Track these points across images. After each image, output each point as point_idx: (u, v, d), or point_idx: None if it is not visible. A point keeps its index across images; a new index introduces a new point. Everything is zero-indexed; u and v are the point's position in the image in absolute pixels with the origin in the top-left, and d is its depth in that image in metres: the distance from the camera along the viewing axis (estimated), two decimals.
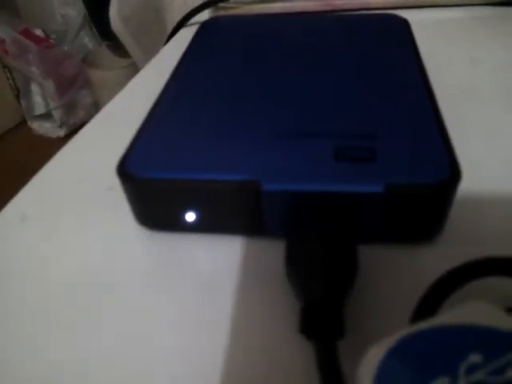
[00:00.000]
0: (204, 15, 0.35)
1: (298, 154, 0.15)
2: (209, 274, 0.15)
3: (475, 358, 0.09)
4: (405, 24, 0.25)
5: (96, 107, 1.34)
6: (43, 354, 0.13)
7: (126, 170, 0.15)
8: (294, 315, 0.13)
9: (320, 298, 0.12)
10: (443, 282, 0.12)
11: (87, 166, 0.21)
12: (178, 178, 0.15)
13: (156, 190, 0.15)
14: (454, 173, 0.14)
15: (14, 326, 0.14)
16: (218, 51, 0.24)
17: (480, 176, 0.18)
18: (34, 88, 1.32)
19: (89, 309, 0.15)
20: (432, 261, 0.15)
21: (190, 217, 0.16)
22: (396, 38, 0.23)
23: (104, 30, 1.21)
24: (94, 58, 1.30)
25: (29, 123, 1.39)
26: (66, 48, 1.34)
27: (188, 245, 0.16)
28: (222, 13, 0.35)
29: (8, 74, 1.35)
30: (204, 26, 0.27)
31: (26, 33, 1.25)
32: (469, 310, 0.10)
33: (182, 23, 0.35)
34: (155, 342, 0.13)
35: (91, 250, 0.17)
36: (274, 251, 0.15)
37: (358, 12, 0.34)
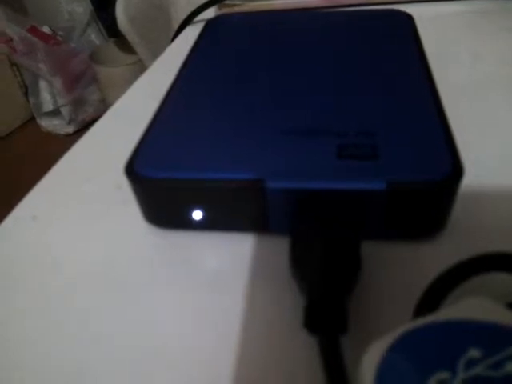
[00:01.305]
0: (209, 13, 0.35)
1: (301, 152, 0.15)
2: (215, 271, 0.15)
3: (475, 352, 0.09)
4: (409, 19, 0.24)
5: (104, 104, 1.34)
6: (44, 353, 0.14)
7: (133, 169, 0.16)
8: (298, 310, 0.13)
9: (324, 294, 0.12)
10: (445, 277, 0.12)
11: (96, 164, 0.21)
12: (184, 178, 0.15)
13: (163, 189, 0.15)
14: (456, 169, 0.14)
15: (17, 325, 0.15)
16: (224, 49, 0.24)
17: (483, 172, 0.18)
18: (42, 85, 1.33)
19: (94, 307, 0.15)
20: (434, 257, 0.15)
21: (197, 215, 0.16)
22: (401, 34, 0.23)
23: (110, 27, 1.22)
24: (101, 55, 1.31)
25: (37, 120, 1.40)
26: (73, 45, 1.34)
27: (195, 242, 0.17)
28: (227, 10, 0.35)
29: (16, 72, 1.36)
30: (210, 23, 0.27)
31: (34, 30, 1.26)
32: (470, 305, 0.10)
33: (187, 21, 0.35)
34: (161, 339, 0.14)
35: (100, 248, 0.17)
36: (278, 248, 0.16)
37: (363, 7, 0.34)
